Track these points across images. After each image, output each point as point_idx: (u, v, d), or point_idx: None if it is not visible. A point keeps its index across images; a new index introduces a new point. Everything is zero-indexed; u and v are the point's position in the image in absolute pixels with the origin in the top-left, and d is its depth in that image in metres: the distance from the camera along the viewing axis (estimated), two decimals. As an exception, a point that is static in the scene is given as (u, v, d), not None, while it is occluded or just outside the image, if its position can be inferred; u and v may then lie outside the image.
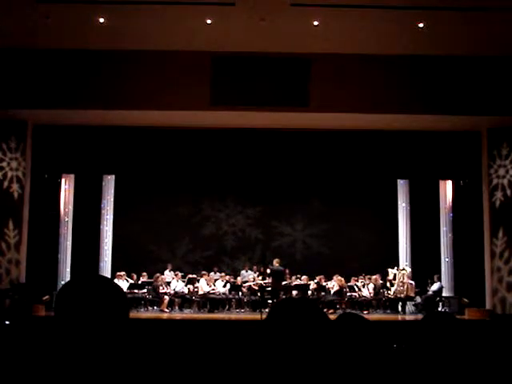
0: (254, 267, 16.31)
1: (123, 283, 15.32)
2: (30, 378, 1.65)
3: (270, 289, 15.18)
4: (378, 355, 2.29)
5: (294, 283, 15.83)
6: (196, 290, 15.60)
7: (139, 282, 15.78)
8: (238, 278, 16.10)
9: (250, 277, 16.09)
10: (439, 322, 2.24)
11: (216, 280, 15.98)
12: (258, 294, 15.20)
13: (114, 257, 16.58)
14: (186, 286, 15.85)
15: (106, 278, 1.89)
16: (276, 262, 15.26)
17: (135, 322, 11.03)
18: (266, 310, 14.10)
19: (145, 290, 15.72)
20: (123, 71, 13.14)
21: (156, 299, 15.62)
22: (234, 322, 13.07)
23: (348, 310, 15.33)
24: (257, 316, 13.04)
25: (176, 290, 15.64)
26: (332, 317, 2.03)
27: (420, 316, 14.41)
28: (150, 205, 16.91)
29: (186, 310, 15.45)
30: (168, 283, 15.77)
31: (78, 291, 1.75)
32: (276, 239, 17.46)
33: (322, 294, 15.58)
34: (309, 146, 14.97)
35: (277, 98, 13.51)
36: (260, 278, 15.72)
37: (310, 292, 15.57)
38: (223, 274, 16.15)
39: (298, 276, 16.00)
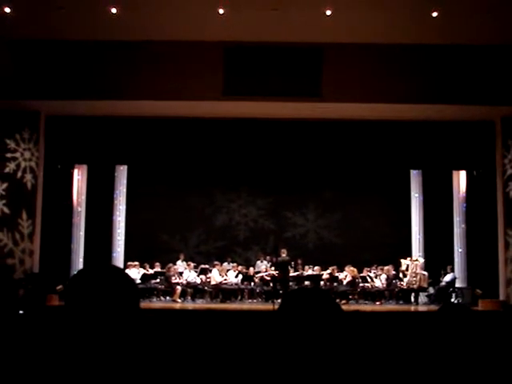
0: (268, 257, 16.15)
1: (136, 273, 15.37)
2: (40, 367, 1.65)
3: (278, 280, 15.20)
4: (386, 347, 2.28)
5: (307, 273, 15.84)
6: (208, 280, 15.60)
7: (152, 272, 15.80)
8: (251, 269, 16.03)
9: (262, 267, 16.02)
10: (455, 314, 2.22)
11: (228, 270, 15.97)
12: (271, 285, 15.23)
13: (127, 247, 16.55)
14: (198, 276, 15.85)
15: (117, 267, 1.88)
16: (283, 253, 15.18)
17: (147, 312, 11.05)
18: (279, 300, 14.13)
19: (157, 280, 15.77)
20: (135, 62, 13.14)
21: (168, 289, 15.61)
22: (246, 312, 13.01)
23: (360, 301, 15.41)
24: (269, 306, 13.05)
25: (188, 280, 15.64)
26: (344, 307, 2.01)
27: (433, 307, 14.45)
28: (163, 195, 16.87)
29: (199, 301, 15.44)
30: (180, 273, 15.74)
31: (88, 281, 1.74)
32: (288, 230, 17.39)
33: (335, 284, 15.55)
34: (321, 136, 14.88)
35: (289, 87, 13.46)
36: (273, 268, 15.61)
37: (322, 282, 15.56)
38: (235, 264, 16.13)
39: (311, 266, 15.96)
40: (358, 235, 17.00)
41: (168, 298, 15.58)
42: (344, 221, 17.25)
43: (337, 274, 15.74)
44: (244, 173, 16.64)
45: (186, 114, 14.24)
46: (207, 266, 15.97)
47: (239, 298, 15.68)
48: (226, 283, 15.53)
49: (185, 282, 15.60)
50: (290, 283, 15.21)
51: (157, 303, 14.80)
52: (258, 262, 16.36)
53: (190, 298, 15.57)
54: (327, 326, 1.74)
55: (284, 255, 15.22)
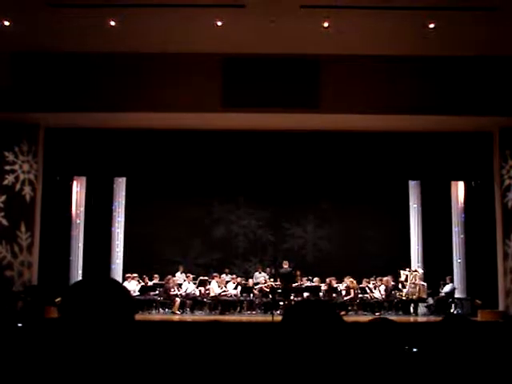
0: (268, 269, 16.08)
1: (134, 285, 15.38)
2: (37, 377, 1.66)
3: (280, 291, 15.16)
4: (390, 357, 2.26)
5: (306, 285, 15.81)
6: (207, 291, 15.54)
7: (151, 284, 15.77)
8: (250, 280, 15.99)
9: (261, 279, 15.94)
10: (456, 325, 2.22)
11: (227, 282, 15.92)
12: (270, 296, 15.19)
13: (126, 259, 16.50)
14: (197, 287, 15.78)
15: (113, 279, 1.88)
16: (285, 264, 15.24)
17: (146, 324, 11.09)
18: (278, 312, 14.24)
19: (156, 292, 15.71)
20: (134, 73, 13.15)
21: (167, 301, 15.57)
22: (245, 323, 12.90)
23: (360, 312, 15.31)
24: (268, 318, 12.99)
25: (187, 291, 15.58)
26: (344, 318, 2.00)
27: (432, 318, 14.45)
28: (161, 207, 16.80)
29: (198, 312, 15.37)
30: (179, 285, 15.69)
31: (83, 293, 1.74)
32: (287, 241, 17.36)
33: (334, 295, 15.50)
34: (320, 147, 14.87)
35: (287, 99, 13.45)
36: (271, 279, 15.57)
37: (321, 294, 15.53)
38: (234, 275, 16.06)
39: (310, 278, 16.00)
40: (356, 246, 16.93)
41: (167, 309, 15.53)
42: (343, 232, 17.19)
43: (336, 285, 15.69)
44: (242, 184, 16.57)
45: (185, 125, 14.25)
46: (206, 278, 15.92)
47: (238, 309, 15.62)
48: (224, 295, 15.47)
49: (184, 294, 15.54)
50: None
51: (156, 315, 14.78)
52: (257, 274, 16.34)
53: (188, 309, 15.49)
54: (331, 338, 1.73)
55: (286, 266, 15.31)
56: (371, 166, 14.91)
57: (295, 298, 14.92)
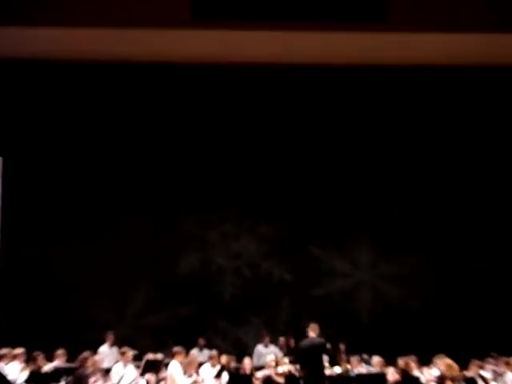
0: (281, 339, 11.84)
1: (17, 369, 10.50)
2: None
3: None
4: None
5: (357, 371, 11.04)
6: (161, 384, 11.46)
7: (50, 370, 10.72)
8: (246, 361, 11.00)
9: (268, 358, 11.15)
10: None
11: (201, 364, 10.99)
12: None
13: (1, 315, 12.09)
14: (142, 375, 10.67)
15: None
16: (311, 330, 10.61)
17: None
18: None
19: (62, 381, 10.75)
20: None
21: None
22: None
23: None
24: None
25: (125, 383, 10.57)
26: None
27: None
28: (67, 218, 12.43)
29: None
30: (107, 371, 10.63)
31: None
32: (319, 283, 12.58)
33: (414, 393, 11.05)
34: (376, 91, 11.71)
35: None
36: (288, 361, 11.04)
37: None
38: (214, 352, 11.29)
39: (365, 357, 11.40)
40: (450, 294, 12.42)
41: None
42: (424, 267, 12.46)
43: (417, 373, 10.58)
44: (232, 175, 12.26)
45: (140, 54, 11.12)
46: (159, 357, 11.09)
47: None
48: (196, 390, 11.43)
49: None
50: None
51: None
52: (260, 348, 12.04)
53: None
54: None
55: (313, 334, 10.47)
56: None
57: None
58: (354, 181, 12.50)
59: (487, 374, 10.41)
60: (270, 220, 13.00)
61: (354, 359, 11.08)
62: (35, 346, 10.99)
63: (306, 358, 10.36)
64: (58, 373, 10.80)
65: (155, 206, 12.37)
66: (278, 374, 10.68)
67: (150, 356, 11.04)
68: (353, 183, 12.56)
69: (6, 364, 10.32)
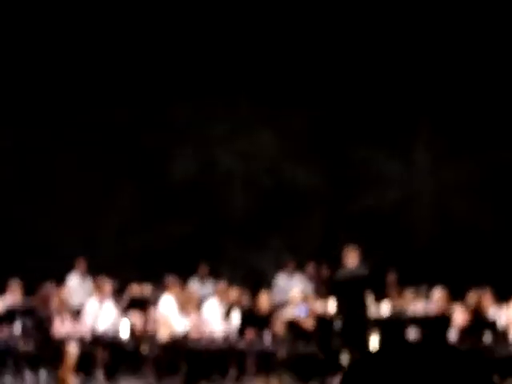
0: (309, 268, 11.04)
1: None
2: None
3: (342, 324, 9.67)
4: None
5: (412, 309, 10.42)
6: (149, 328, 10.36)
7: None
8: (263, 297, 10.81)
9: (293, 292, 11.03)
10: None
11: (202, 301, 10.57)
12: (318, 339, 10.00)
13: None
14: (123, 315, 10.18)
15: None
16: (351, 257, 10.04)
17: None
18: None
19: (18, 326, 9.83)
20: None
21: (46, 351, 9.69)
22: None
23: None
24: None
25: (99, 327, 10.01)
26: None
27: None
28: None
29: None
30: (77, 312, 9.97)
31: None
32: (361, 194, 11.23)
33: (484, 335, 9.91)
34: None
35: None
36: (320, 297, 10.79)
37: (452, 330, 9.95)
38: (221, 283, 10.91)
39: (422, 290, 10.68)
40: None
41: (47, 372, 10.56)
42: (507, 170, 10.00)
43: (491, 314, 9.90)
44: (243, 45, 9.70)
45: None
46: (147, 290, 10.30)
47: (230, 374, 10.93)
48: (200, 332, 10.17)
49: (89, 332, 10.03)
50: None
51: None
52: (282, 278, 11.14)
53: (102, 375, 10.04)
54: None
55: (353, 261, 9.68)
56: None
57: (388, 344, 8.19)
58: (408, 57, 9.48)
59: None
60: (294, 107, 10.28)
61: (408, 293, 10.00)
62: None
63: (343, 293, 9.19)
64: (12, 314, 9.61)
65: (139, 87, 9.66)
66: (307, 315, 9.55)
67: (135, 289, 10.20)
68: (406, 59, 9.50)
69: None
